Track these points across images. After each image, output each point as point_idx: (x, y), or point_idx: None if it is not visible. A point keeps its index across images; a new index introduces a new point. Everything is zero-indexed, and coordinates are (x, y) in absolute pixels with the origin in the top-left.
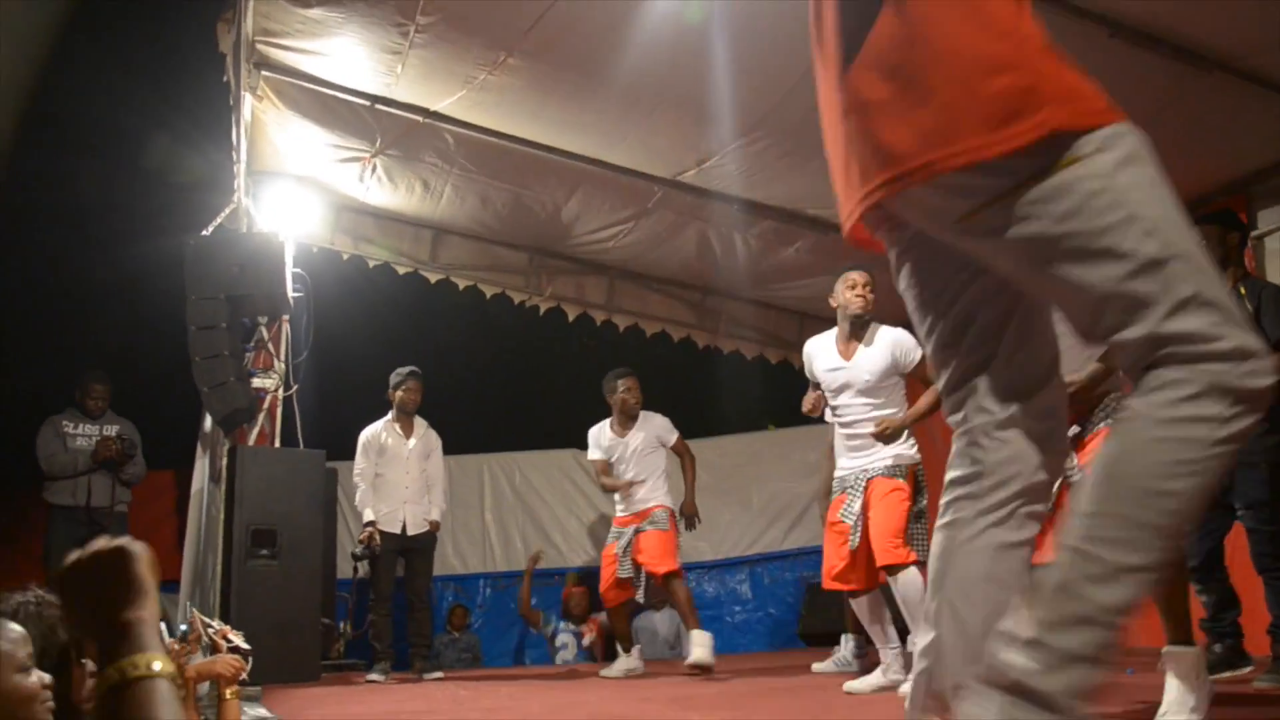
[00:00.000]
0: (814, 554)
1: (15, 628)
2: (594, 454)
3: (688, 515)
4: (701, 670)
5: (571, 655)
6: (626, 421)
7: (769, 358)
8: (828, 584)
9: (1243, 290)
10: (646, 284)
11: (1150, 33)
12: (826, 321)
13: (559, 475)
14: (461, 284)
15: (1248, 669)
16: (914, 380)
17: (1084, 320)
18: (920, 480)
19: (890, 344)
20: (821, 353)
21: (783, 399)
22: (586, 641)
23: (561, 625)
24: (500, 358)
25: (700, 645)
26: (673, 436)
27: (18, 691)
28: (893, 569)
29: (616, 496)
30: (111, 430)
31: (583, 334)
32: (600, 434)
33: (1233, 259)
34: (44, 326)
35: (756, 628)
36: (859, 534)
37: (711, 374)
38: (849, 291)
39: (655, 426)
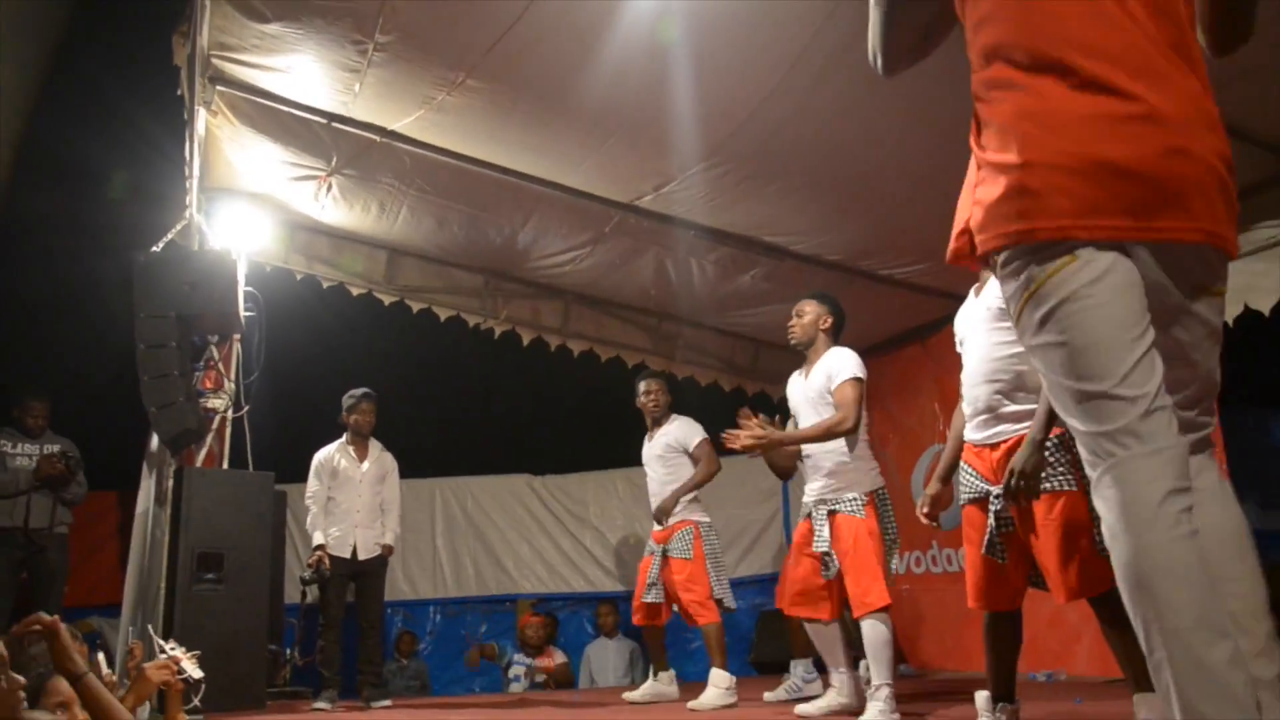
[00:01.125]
0: (767, 581)
1: None
2: None
3: (662, 509)
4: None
5: (523, 687)
6: (652, 425)
7: (723, 384)
8: (791, 609)
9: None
10: (603, 308)
11: None
12: (781, 349)
13: (511, 500)
14: (416, 306)
15: None
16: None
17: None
18: (880, 503)
19: (825, 365)
20: (792, 382)
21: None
22: (541, 678)
23: (516, 656)
24: (454, 381)
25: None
26: (694, 440)
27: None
28: (869, 613)
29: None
30: (53, 448)
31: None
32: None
33: None
34: None
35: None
36: (834, 566)
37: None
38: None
39: (677, 430)
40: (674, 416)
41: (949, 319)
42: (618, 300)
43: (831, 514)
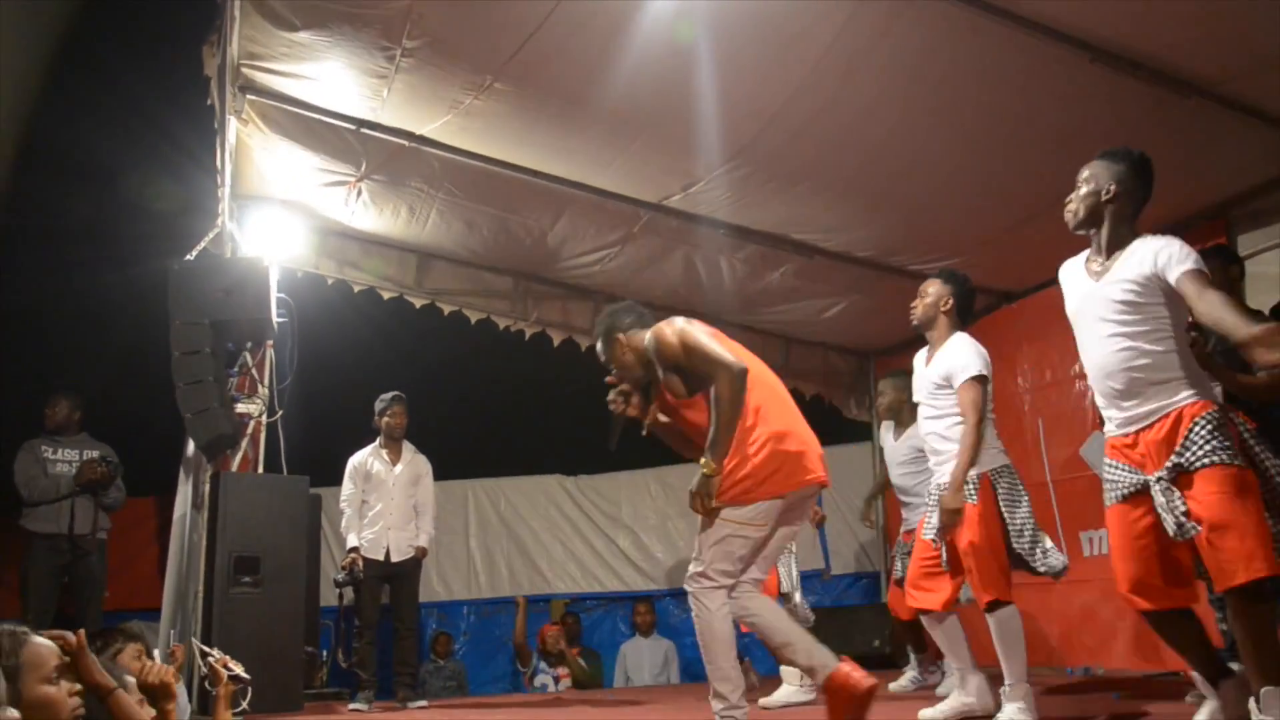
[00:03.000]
0: (802, 579)
1: (43, 641)
2: None
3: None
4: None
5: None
6: None
7: None
8: (910, 600)
9: None
10: None
11: (1131, 57)
12: (812, 345)
13: (544, 501)
14: (446, 309)
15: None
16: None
17: None
18: (996, 485)
19: (947, 357)
20: (917, 364)
21: None
22: (561, 687)
23: (541, 667)
24: (485, 383)
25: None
26: None
27: (44, 699)
28: (992, 605)
29: None
30: (93, 453)
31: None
32: None
33: (1234, 291)
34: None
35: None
36: (946, 552)
37: None
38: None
39: None
40: None
41: (981, 314)
42: (647, 299)
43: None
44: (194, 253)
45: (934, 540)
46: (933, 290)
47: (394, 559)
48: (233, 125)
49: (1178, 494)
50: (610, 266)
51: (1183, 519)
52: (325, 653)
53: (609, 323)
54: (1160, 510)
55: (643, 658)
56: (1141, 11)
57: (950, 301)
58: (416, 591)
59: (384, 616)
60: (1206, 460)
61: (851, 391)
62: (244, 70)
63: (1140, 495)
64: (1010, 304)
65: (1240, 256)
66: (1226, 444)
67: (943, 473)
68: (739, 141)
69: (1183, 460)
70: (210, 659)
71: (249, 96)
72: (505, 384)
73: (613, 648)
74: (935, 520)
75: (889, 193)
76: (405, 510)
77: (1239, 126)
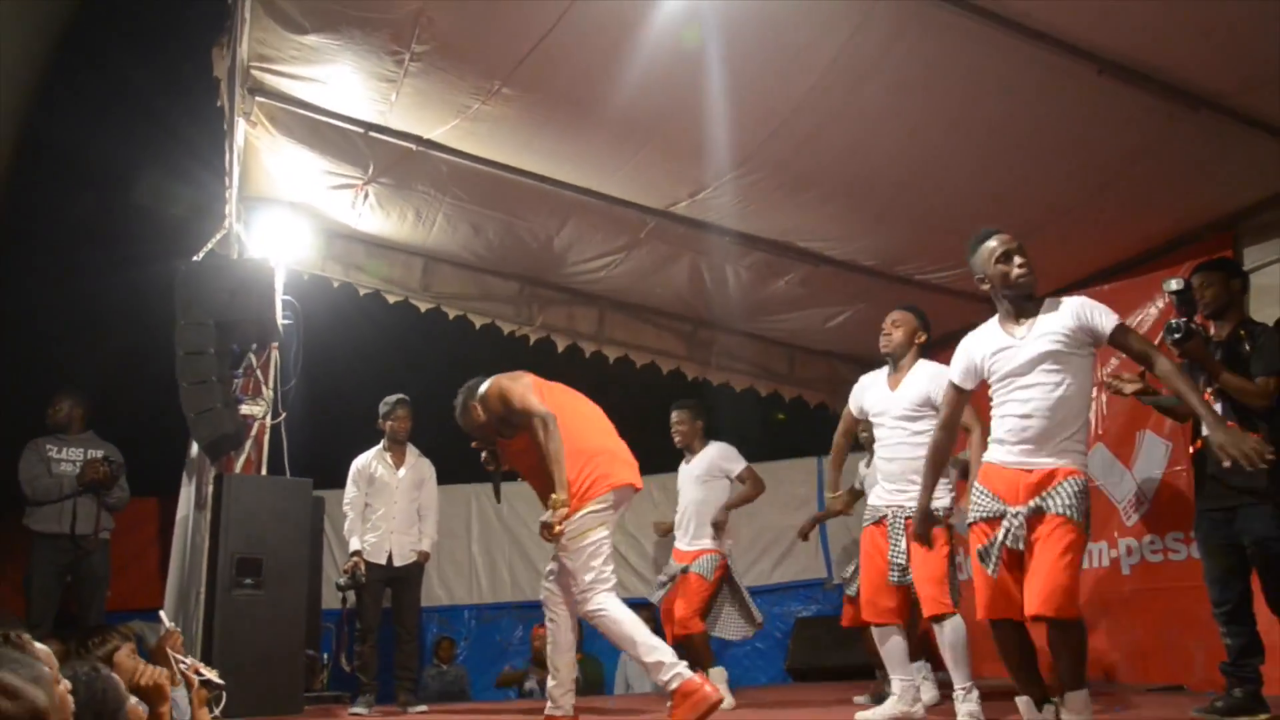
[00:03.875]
0: (802, 588)
1: (42, 647)
2: None
3: (716, 521)
4: None
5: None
6: (689, 452)
7: (759, 389)
8: (867, 616)
9: (1242, 333)
10: (637, 315)
11: (1138, 70)
12: (817, 354)
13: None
14: (452, 313)
15: (1264, 716)
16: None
17: None
18: (953, 527)
19: (921, 379)
20: (871, 386)
21: (771, 431)
22: None
23: (533, 675)
24: None
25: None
26: (737, 466)
27: (63, 702)
28: (938, 618)
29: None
30: (97, 453)
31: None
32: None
33: (1236, 303)
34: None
35: (744, 662)
36: (909, 575)
37: (701, 404)
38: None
39: (719, 455)
40: (710, 441)
41: (975, 324)
42: (652, 306)
43: (908, 520)
44: (201, 254)
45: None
46: (909, 322)
47: (396, 563)
48: (241, 127)
49: (1021, 533)
50: (616, 272)
51: (999, 555)
52: (326, 656)
53: (465, 396)
54: (997, 535)
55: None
56: (1151, 24)
57: (923, 335)
58: (418, 596)
59: (385, 620)
60: (1063, 512)
61: None
62: (253, 72)
63: (994, 521)
64: None
65: (1244, 270)
66: (1081, 507)
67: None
68: (746, 149)
69: (1044, 505)
70: (182, 665)
71: (258, 99)
72: None
73: (614, 654)
74: (903, 545)
75: (895, 202)
76: (408, 514)
77: (1248, 139)
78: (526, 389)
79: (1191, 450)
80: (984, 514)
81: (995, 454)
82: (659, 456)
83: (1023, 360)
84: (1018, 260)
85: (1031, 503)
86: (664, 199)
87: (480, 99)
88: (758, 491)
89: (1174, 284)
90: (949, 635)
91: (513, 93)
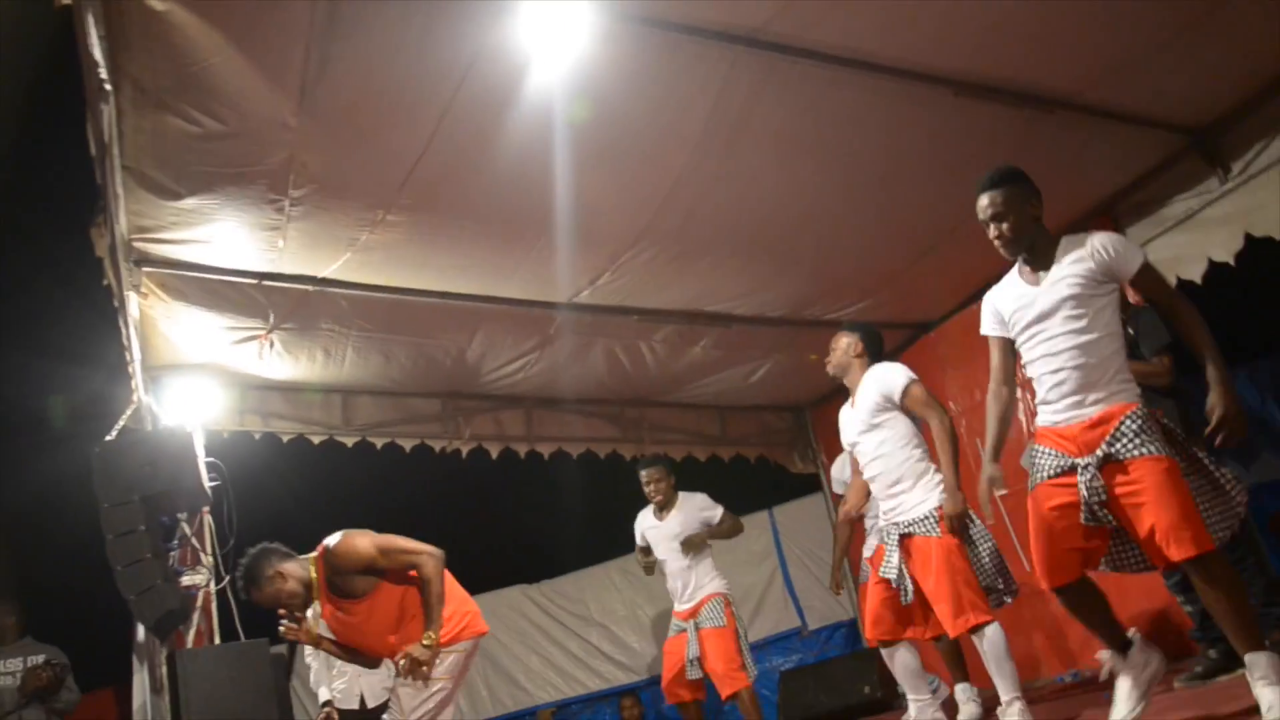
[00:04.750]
0: (781, 640)
1: None
2: (639, 541)
3: (690, 542)
4: None
5: None
6: (660, 510)
7: (697, 455)
8: (873, 637)
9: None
10: (564, 407)
11: (991, 84)
12: (746, 409)
13: (510, 613)
14: (379, 443)
15: (1243, 671)
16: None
17: None
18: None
19: (872, 385)
20: (843, 415)
21: (716, 494)
22: None
23: None
24: (432, 507)
25: None
26: (715, 513)
27: None
28: (976, 629)
29: (671, 586)
30: (37, 658)
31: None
32: (641, 520)
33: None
34: None
35: None
36: (909, 589)
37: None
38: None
39: (694, 507)
40: (680, 495)
41: (903, 348)
42: (577, 396)
43: (905, 538)
44: (113, 432)
45: (893, 581)
46: (842, 341)
47: (369, 704)
48: (133, 300)
49: (1100, 482)
50: (534, 371)
51: (1096, 508)
52: None
53: (256, 568)
54: (1082, 492)
55: None
56: (990, 41)
57: (860, 345)
58: None
59: None
60: (1136, 452)
61: (793, 447)
62: (136, 244)
63: (1066, 475)
64: (928, 333)
65: None
66: (1154, 438)
67: (899, 504)
68: (636, 228)
69: (1113, 450)
70: None
71: (145, 269)
72: (452, 504)
73: None
74: (895, 559)
75: (789, 251)
76: None
77: (1105, 129)
78: (388, 537)
79: None
80: (1051, 471)
81: (1044, 416)
82: (611, 543)
83: (1042, 309)
84: (992, 230)
85: (1099, 452)
86: (566, 291)
87: (367, 229)
88: (737, 530)
89: None
90: (988, 645)
91: (398, 218)
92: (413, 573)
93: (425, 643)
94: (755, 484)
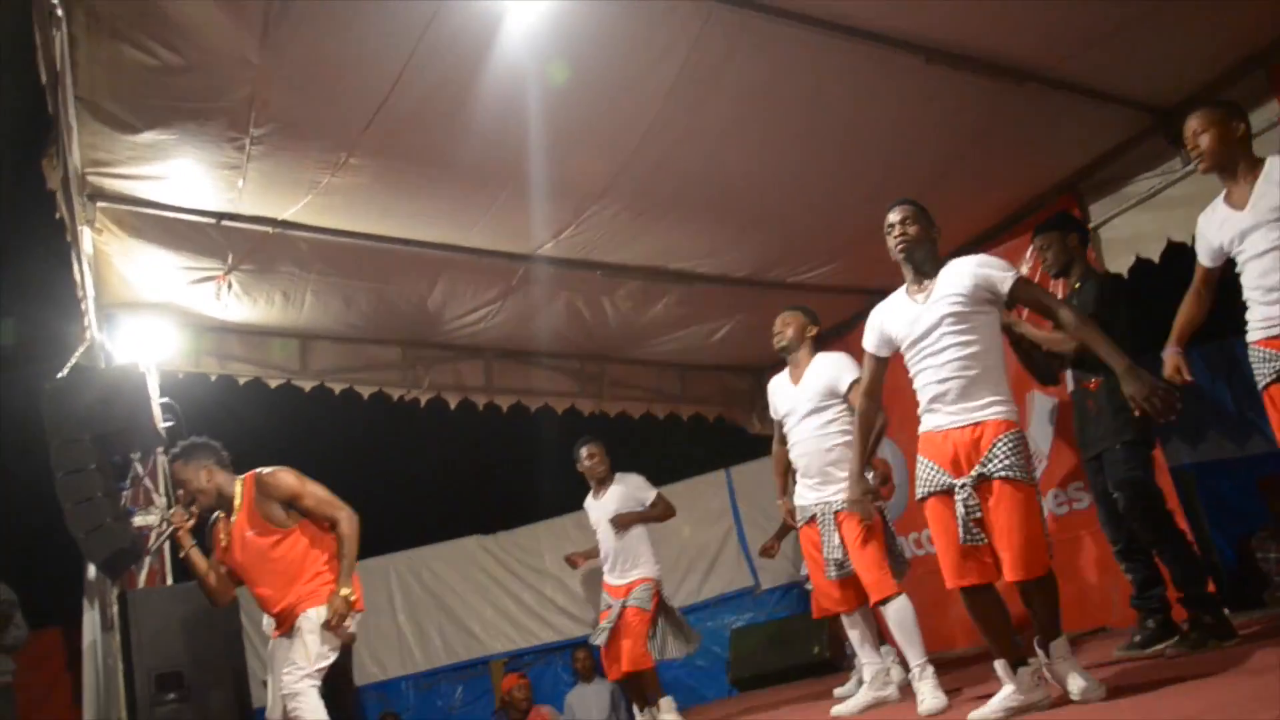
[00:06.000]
0: (733, 599)
1: None
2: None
3: (621, 520)
4: None
5: None
6: (599, 487)
7: (656, 413)
8: (819, 612)
9: (1077, 285)
10: (524, 360)
11: (963, 53)
12: (707, 369)
13: (467, 563)
14: (337, 388)
15: (1175, 639)
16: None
17: None
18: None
19: (820, 372)
20: (778, 388)
21: (674, 452)
22: None
23: None
24: (389, 456)
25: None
26: (648, 496)
27: None
28: (883, 602)
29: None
30: None
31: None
32: (587, 500)
33: (1076, 258)
34: None
35: (687, 682)
36: (848, 565)
37: (603, 438)
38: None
39: (631, 486)
40: (617, 474)
41: (863, 313)
42: (537, 349)
43: (838, 515)
44: (65, 370)
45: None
46: (795, 319)
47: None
48: (87, 235)
49: (976, 500)
50: (495, 322)
51: (971, 526)
52: None
53: (195, 451)
54: (959, 511)
55: (589, 704)
56: (968, 9)
57: (815, 329)
58: (351, 678)
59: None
60: (1004, 474)
61: (752, 408)
62: (90, 178)
63: (944, 495)
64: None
65: (1082, 224)
66: (1020, 463)
67: (839, 487)
68: (602, 181)
69: (986, 470)
70: None
71: (100, 204)
72: (408, 453)
73: (558, 699)
74: (835, 539)
75: (756, 211)
76: None
77: (1074, 104)
78: (316, 483)
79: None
80: (933, 488)
81: (927, 422)
82: (569, 496)
83: (926, 325)
84: (895, 232)
85: (973, 472)
86: (530, 243)
87: (329, 172)
88: (669, 515)
89: None
90: (894, 615)
91: (361, 161)
92: (327, 531)
93: (345, 593)
94: (713, 443)
